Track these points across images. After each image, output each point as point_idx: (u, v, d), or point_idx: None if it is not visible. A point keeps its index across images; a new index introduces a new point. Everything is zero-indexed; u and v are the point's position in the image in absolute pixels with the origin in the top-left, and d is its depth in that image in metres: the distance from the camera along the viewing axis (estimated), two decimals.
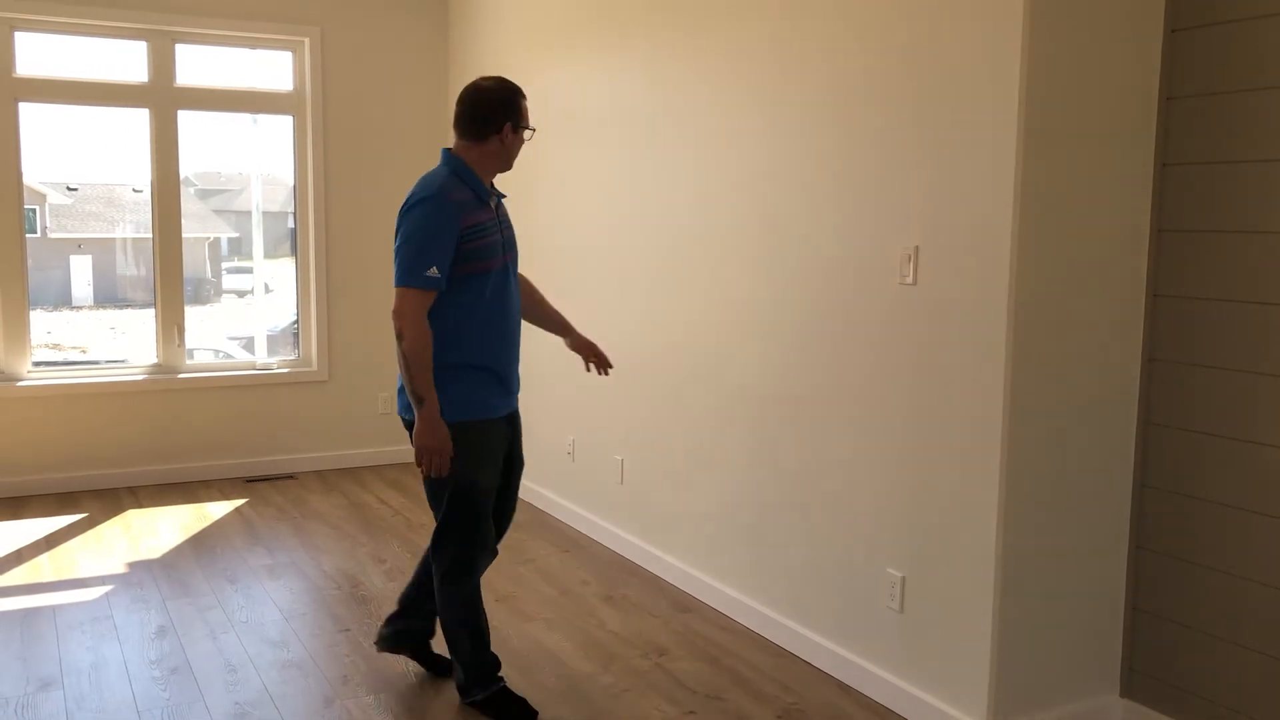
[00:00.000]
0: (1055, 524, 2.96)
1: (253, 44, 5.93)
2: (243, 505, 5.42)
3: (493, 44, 5.66)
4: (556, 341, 5.11)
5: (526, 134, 3.16)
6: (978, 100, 2.86)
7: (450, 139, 3.17)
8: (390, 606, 4.01)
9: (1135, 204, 2.97)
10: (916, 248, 3.07)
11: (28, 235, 5.55)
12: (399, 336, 2.91)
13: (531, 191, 5.33)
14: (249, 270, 6.42)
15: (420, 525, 5.06)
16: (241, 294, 6.63)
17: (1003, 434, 2.85)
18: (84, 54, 5.68)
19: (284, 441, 6.08)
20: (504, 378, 3.13)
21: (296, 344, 6.24)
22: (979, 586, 2.94)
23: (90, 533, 4.93)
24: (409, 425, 3.04)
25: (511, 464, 3.27)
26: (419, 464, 2.97)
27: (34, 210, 5.92)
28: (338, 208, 6.08)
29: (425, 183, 3.01)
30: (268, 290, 6.36)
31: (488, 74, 3.39)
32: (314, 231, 6.04)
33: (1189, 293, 2.91)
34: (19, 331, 5.54)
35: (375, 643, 3.44)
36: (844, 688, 3.38)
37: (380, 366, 6.28)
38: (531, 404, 5.44)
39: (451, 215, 2.93)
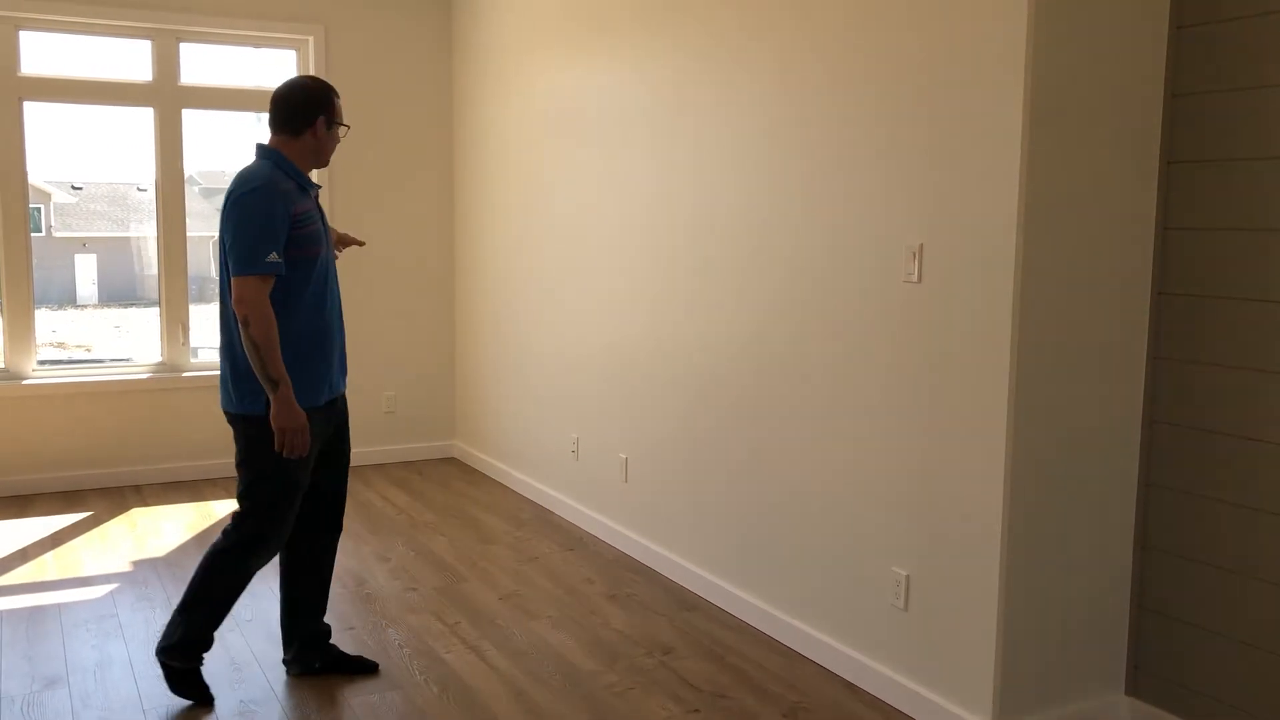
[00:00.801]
0: (1060, 522, 2.96)
1: (257, 43, 5.93)
2: None
3: (496, 43, 5.66)
4: (561, 341, 5.11)
5: (341, 131, 3.27)
6: (983, 97, 2.85)
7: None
8: (393, 605, 4.02)
9: (1141, 201, 2.97)
10: (921, 245, 3.07)
11: (33, 234, 5.56)
12: (244, 324, 2.97)
13: (535, 191, 5.33)
14: None
15: (425, 524, 5.07)
16: None
17: (1007, 432, 2.84)
18: (89, 53, 5.69)
19: None
20: (330, 363, 3.23)
21: None
22: (984, 584, 2.93)
23: (95, 531, 4.94)
24: (234, 420, 3.19)
25: (339, 450, 3.38)
26: (278, 447, 3.05)
27: (39, 209, 5.93)
28: (342, 206, 6.08)
29: (249, 174, 3.09)
30: None
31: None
32: None
33: (1194, 290, 2.91)
34: (24, 330, 5.55)
35: (288, 672, 3.47)
36: (849, 686, 3.38)
37: (386, 365, 6.29)
38: (535, 402, 5.44)
39: (282, 203, 3.03)
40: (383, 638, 3.72)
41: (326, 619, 3.67)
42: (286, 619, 3.43)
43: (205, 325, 6.20)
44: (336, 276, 3.30)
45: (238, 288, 2.97)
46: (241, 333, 2.99)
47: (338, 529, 3.44)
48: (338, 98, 3.24)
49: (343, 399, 3.38)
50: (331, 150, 3.26)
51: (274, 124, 3.19)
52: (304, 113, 3.16)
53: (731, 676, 3.45)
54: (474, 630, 3.80)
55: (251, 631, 3.77)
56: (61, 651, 3.60)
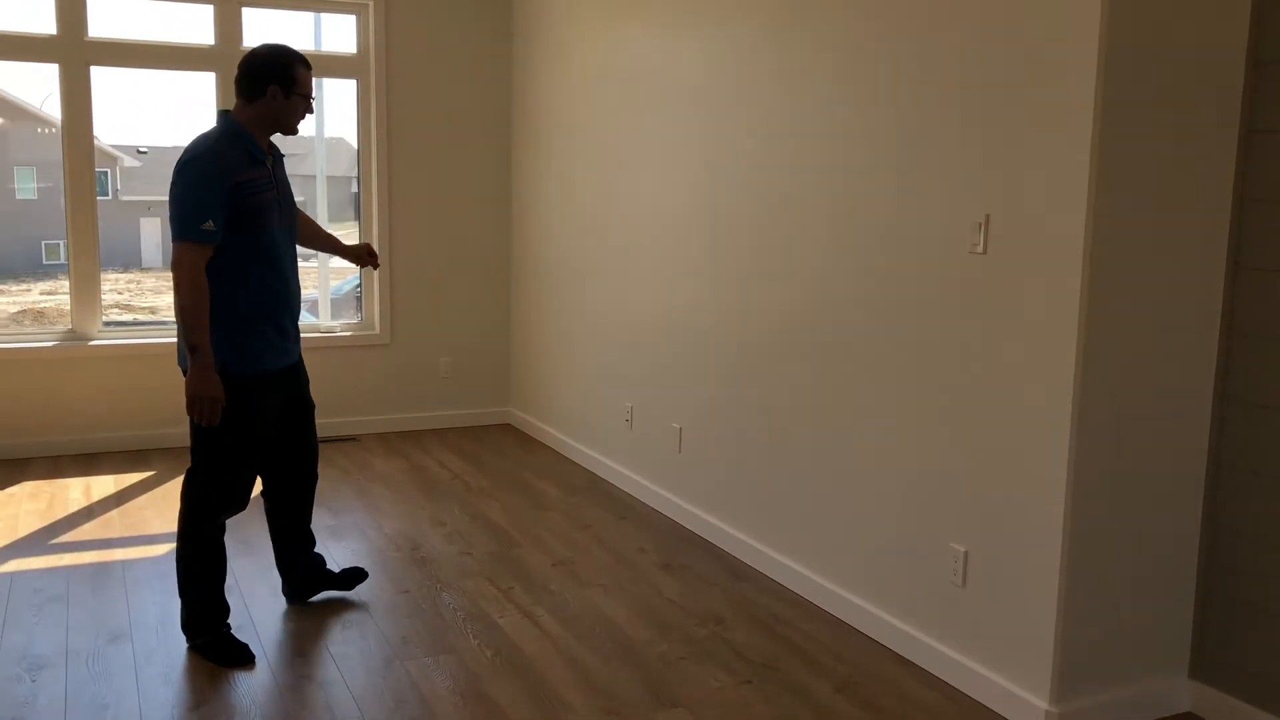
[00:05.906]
0: (1125, 500, 2.89)
1: (317, 7, 5.95)
2: None
3: (557, 11, 5.62)
4: (615, 310, 5.10)
5: (300, 103, 3.24)
6: (1054, 64, 2.76)
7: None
8: (448, 569, 4.05)
9: (1219, 172, 2.86)
10: (987, 216, 2.99)
11: (99, 198, 5.65)
12: (176, 288, 3.02)
13: (592, 160, 5.30)
14: None
15: (480, 489, 5.10)
16: (304, 257, 6.70)
17: (1073, 408, 2.77)
18: (153, 17, 5.74)
19: (347, 404, 6.15)
20: (281, 331, 3.28)
21: (359, 307, 6.29)
22: (1044, 563, 2.88)
23: (159, 490, 5.03)
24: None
25: (300, 410, 3.50)
26: (189, 412, 3.08)
27: (105, 173, 6.01)
28: (401, 171, 6.10)
29: (198, 141, 3.14)
30: None
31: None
32: (377, 195, 6.07)
33: (1273, 264, 2.80)
34: (91, 292, 5.65)
35: (289, 600, 3.69)
36: (903, 661, 3.35)
37: (442, 330, 6.32)
38: (590, 371, 5.44)
39: (223, 172, 3.06)
40: (437, 601, 3.76)
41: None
42: (279, 560, 3.64)
43: None
44: (294, 247, 3.36)
45: (174, 253, 3.04)
46: (174, 296, 3.05)
47: (311, 479, 3.61)
48: (303, 67, 3.24)
49: (298, 365, 3.46)
50: (291, 120, 3.26)
51: (236, 90, 3.23)
52: (259, 79, 3.19)
53: (784, 648, 3.44)
54: (527, 596, 3.82)
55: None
56: (125, 608, 3.68)
